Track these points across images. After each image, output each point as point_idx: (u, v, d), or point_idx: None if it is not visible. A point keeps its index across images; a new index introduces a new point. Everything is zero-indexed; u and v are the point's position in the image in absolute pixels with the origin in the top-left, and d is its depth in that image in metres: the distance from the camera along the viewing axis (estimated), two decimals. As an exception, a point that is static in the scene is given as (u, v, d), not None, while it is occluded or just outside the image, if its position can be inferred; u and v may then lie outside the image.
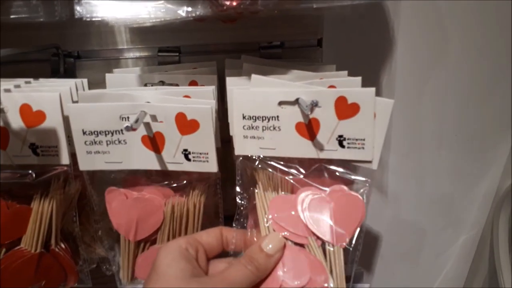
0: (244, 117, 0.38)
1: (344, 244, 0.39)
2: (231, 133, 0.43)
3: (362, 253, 0.65)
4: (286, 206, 0.39)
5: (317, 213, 0.39)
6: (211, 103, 0.37)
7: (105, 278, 0.50)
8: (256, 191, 0.40)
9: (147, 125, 0.38)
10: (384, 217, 0.64)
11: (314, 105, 0.34)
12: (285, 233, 0.38)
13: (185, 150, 0.38)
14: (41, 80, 0.43)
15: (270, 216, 0.38)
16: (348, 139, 0.38)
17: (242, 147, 0.39)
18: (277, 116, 0.37)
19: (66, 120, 0.38)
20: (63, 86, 0.40)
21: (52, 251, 0.39)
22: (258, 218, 0.40)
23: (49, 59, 0.51)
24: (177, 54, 0.52)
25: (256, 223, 0.43)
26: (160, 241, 0.41)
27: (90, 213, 0.44)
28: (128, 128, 0.33)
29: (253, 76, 0.40)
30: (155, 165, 0.39)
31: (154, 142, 0.38)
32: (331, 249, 0.39)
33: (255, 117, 0.38)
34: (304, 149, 0.38)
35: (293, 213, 0.39)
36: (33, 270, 0.38)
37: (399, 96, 0.58)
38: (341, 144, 0.38)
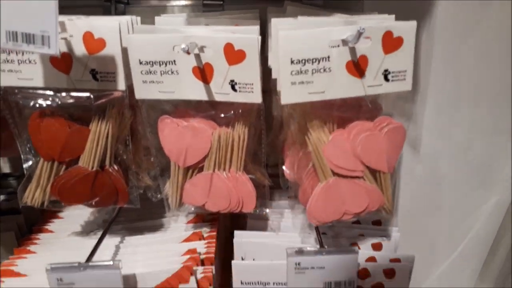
0: (292, 62, 0.37)
1: (392, 169, 0.41)
2: (273, 76, 0.45)
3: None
4: (339, 147, 0.41)
5: (370, 146, 0.41)
6: (257, 35, 0.39)
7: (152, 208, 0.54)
8: (308, 136, 0.42)
9: (197, 56, 0.40)
10: (417, 172, 0.65)
11: (361, 32, 0.35)
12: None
13: (232, 80, 0.40)
14: (98, 17, 0.46)
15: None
16: (392, 72, 0.39)
17: (289, 94, 0.39)
18: (328, 57, 0.38)
19: (123, 51, 0.40)
20: (120, 20, 0.43)
21: (106, 170, 0.42)
22: (314, 163, 0.42)
23: (102, 5, 0.54)
24: (221, 1, 0.54)
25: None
26: (207, 168, 0.43)
27: (138, 145, 0.47)
28: (184, 50, 0.36)
29: (299, 17, 0.41)
30: (204, 96, 0.41)
31: (204, 73, 0.40)
32: (382, 176, 0.42)
33: (305, 60, 0.38)
34: (353, 88, 0.39)
35: (347, 151, 0.41)
36: (89, 187, 0.41)
37: (438, 52, 0.58)
38: (386, 78, 0.40)
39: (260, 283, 0.46)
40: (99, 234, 0.48)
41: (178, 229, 0.51)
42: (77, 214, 0.54)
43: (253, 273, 0.46)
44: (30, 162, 0.42)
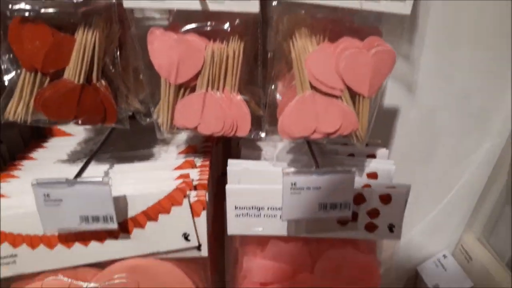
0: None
1: (373, 95, 0.40)
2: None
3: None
4: (323, 59, 0.39)
5: (354, 65, 0.39)
6: None
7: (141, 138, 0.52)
8: (292, 42, 0.40)
9: (191, -42, 0.37)
10: (411, 117, 0.64)
11: None
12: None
13: (228, -14, 0.38)
14: None
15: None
16: (392, -10, 0.38)
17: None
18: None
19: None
20: None
21: (94, 85, 0.40)
22: (294, 71, 0.41)
23: None
24: None
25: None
26: (199, 87, 0.41)
27: (127, 65, 0.44)
28: None
29: None
30: (196, 4, 0.38)
31: (197, -23, 0.38)
32: (362, 100, 0.41)
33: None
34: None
35: (330, 66, 0.39)
36: (75, 102, 0.39)
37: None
38: (385, -5, 0.38)
39: (255, 207, 0.45)
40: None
41: (169, 158, 0.50)
42: (62, 145, 0.52)
43: (247, 197, 0.44)
44: (12, 74, 0.39)
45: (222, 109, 0.42)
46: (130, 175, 0.46)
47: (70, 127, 0.56)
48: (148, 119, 0.45)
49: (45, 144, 0.53)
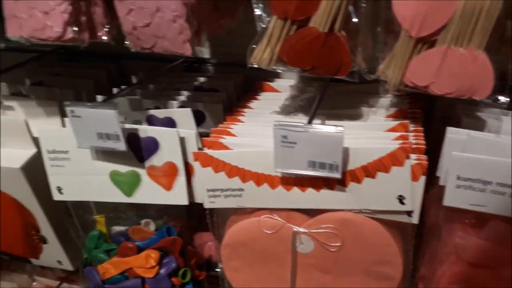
0: None
1: None
2: None
3: None
4: None
5: None
6: None
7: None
8: None
9: None
10: None
11: None
12: None
13: None
14: None
15: None
16: None
17: None
18: None
19: None
20: None
21: (335, 34, 0.40)
22: None
23: None
24: None
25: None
26: (441, 42, 0.39)
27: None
28: None
29: None
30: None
31: None
32: None
33: None
34: None
35: None
36: (317, 49, 0.40)
37: None
38: None
39: (481, 181, 0.41)
40: (299, 115, 0.49)
41: (379, 120, 0.49)
42: (273, 99, 0.56)
43: (474, 168, 0.41)
44: (263, 22, 0.42)
45: (463, 68, 0.39)
46: (346, 131, 0.46)
47: (278, 84, 0.59)
48: (371, 76, 0.44)
49: (258, 97, 0.57)
